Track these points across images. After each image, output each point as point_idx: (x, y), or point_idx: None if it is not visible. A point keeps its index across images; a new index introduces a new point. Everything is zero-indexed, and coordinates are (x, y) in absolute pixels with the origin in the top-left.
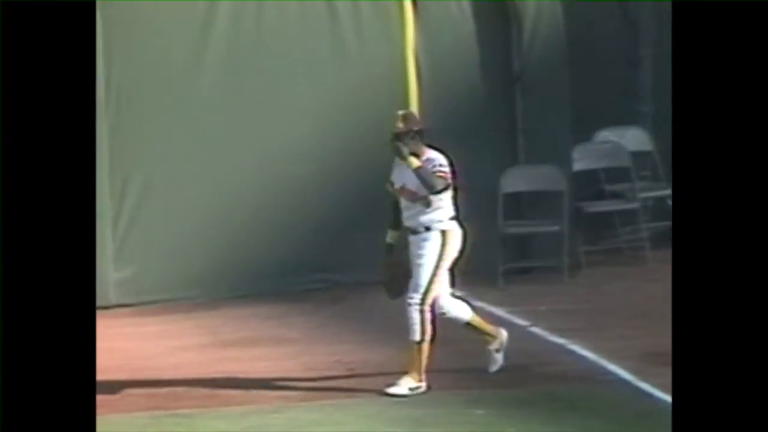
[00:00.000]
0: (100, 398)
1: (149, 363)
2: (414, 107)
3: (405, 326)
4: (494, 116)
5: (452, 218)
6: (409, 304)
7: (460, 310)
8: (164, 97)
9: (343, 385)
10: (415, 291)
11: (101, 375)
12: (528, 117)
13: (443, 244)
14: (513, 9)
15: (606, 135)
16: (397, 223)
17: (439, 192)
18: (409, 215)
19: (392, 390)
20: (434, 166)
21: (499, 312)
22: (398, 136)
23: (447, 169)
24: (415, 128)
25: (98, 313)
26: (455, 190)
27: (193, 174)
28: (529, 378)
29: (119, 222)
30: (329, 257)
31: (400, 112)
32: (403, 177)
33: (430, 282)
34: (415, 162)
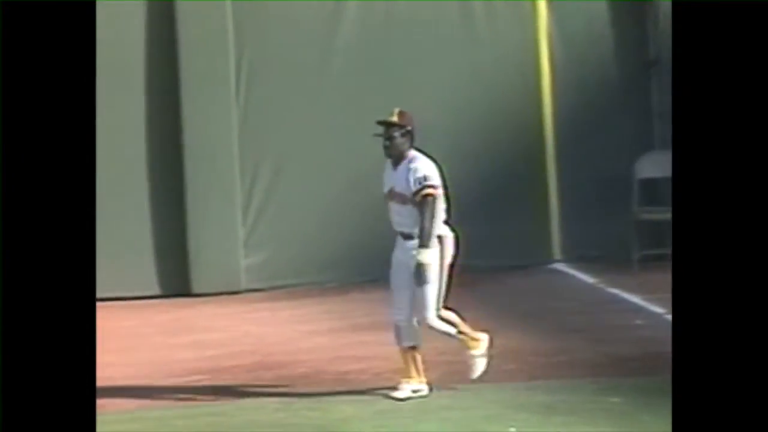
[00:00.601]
0: (232, 382)
1: (281, 348)
2: (546, 91)
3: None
4: (629, 100)
5: (444, 222)
6: (428, 324)
7: (417, 330)
8: (294, 83)
9: None
10: (428, 309)
11: (232, 360)
12: (664, 100)
13: (441, 251)
14: None
15: None
16: None
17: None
18: (400, 220)
19: (476, 374)
20: (418, 180)
21: (635, 299)
22: (390, 127)
23: (433, 180)
24: (409, 127)
25: (229, 298)
26: (446, 193)
27: (322, 159)
28: (665, 366)
29: (250, 208)
30: (460, 242)
31: (396, 109)
32: (390, 180)
33: (438, 294)
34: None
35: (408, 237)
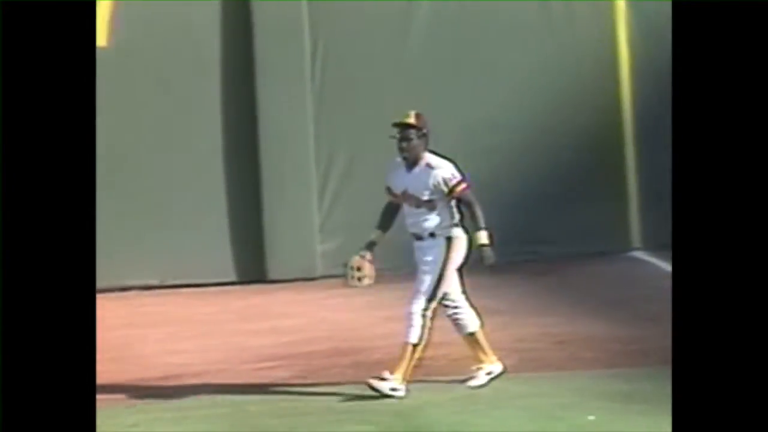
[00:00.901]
0: (309, 368)
1: (356, 333)
2: (625, 79)
3: (405, 328)
4: None
5: (456, 224)
6: (413, 310)
7: (470, 317)
8: (369, 68)
9: (552, 357)
10: (420, 297)
11: (308, 346)
12: None
13: (448, 251)
14: None
15: None
16: (384, 223)
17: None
18: (412, 222)
19: (375, 384)
20: (447, 181)
21: None
22: (406, 129)
23: (458, 176)
24: (425, 130)
25: (305, 284)
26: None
27: (392, 145)
28: None
29: (325, 194)
30: (539, 229)
31: (413, 112)
32: (403, 182)
33: (435, 288)
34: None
35: (419, 238)
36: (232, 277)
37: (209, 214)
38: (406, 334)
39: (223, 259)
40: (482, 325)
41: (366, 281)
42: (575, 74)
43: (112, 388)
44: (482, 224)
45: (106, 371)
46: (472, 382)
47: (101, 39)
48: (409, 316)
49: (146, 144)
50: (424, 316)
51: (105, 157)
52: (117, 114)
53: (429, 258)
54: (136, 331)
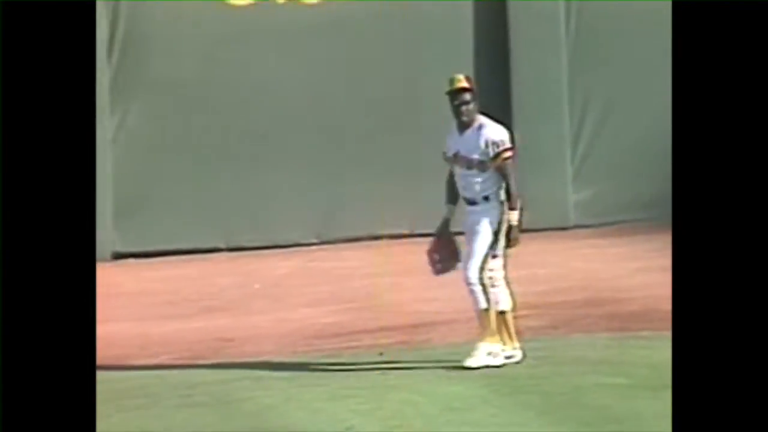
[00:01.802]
0: (561, 318)
1: (609, 284)
2: None
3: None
4: None
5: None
6: (468, 276)
7: (505, 295)
8: (624, 18)
9: None
10: (473, 261)
11: (561, 296)
12: None
13: (502, 214)
14: None
15: None
16: (452, 197)
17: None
18: (465, 185)
19: (468, 362)
20: (495, 145)
21: None
22: (462, 93)
23: (508, 143)
24: (475, 91)
25: (557, 233)
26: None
27: (652, 95)
28: None
29: (579, 143)
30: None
31: (461, 76)
32: (456, 144)
33: (488, 252)
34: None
35: (472, 202)
36: None
37: None
38: (474, 302)
39: None
40: (514, 308)
41: (445, 265)
42: None
43: (363, 336)
44: (514, 202)
45: (357, 319)
46: (469, 361)
47: None
48: (468, 285)
49: (396, 99)
50: (481, 280)
51: (359, 114)
52: (369, 71)
53: (482, 221)
54: (387, 280)
